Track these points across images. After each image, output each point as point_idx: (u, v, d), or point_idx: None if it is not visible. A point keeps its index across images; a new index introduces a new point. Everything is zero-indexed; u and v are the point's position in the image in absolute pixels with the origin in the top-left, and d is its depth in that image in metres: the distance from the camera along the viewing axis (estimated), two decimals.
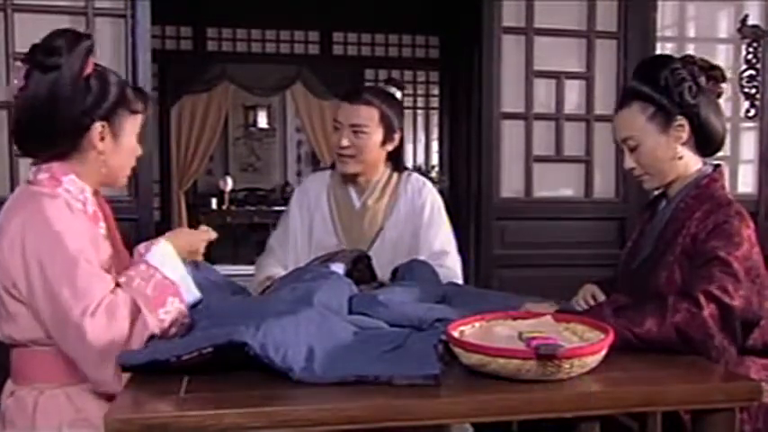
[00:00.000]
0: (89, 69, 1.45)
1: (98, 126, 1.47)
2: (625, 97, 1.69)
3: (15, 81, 1.45)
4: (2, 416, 1.48)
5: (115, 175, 1.56)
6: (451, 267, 2.11)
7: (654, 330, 1.40)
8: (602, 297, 1.75)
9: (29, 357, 1.44)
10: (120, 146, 1.52)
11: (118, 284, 1.41)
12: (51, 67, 1.41)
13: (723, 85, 1.68)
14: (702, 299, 1.43)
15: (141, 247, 1.68)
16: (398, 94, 2.22)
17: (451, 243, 2.19)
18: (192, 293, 1.50)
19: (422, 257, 2.03)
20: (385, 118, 2.09)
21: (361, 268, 1.92)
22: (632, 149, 1.67)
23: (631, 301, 1.50)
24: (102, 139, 1.48)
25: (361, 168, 2.12)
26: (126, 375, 1.26)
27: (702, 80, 1.62)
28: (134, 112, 1.54)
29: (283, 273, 1.98)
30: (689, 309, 1.42)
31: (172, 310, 1.42)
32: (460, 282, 2.14)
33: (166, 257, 1.49)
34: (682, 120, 1.61)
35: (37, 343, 1.42)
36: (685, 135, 1.62)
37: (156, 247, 1.51)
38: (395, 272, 1.95)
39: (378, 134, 2.09)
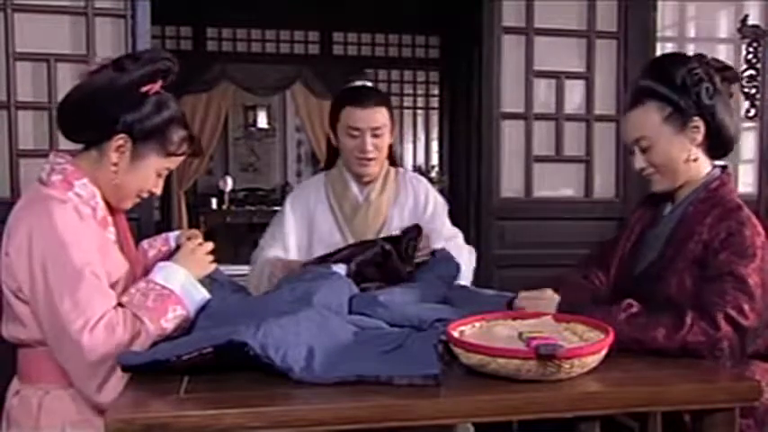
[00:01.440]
0: (151, 89, 1.47)
1: (121, 138, 1.46)
2: (638, 96, 1.62)
3: (93, 66, 1.51)
4: (6, 415, 1.48)
5: (116, 195, 1.53)
6: (463, 245, 2.21)
7: (662, 343, 1.39)
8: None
9: (35, 358, 1.45)
10: (135, 171, 1.50)
11: (120, 303, 1.41)
12: (120, 68, 1.46)
13: (732, 89, 1.65)
14: (722, 320, 1.40)
15: (145, 243, 1.68)
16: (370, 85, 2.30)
17: (455, 228, 2.28)
18: (199, 293, 1.49)
19: (440, 245, 2.07)
20: (391, 115, 2.17)
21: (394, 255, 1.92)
22: (645, 150, 1.62)
23: (643, 310, 1.46)
24: (122, 153, 1.47)
25: (379, 167, 2.17)
26: (126, 375, 1.26)
27: (718, 80, 1.59)
28: (168, 153, 1.52)
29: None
30: (706, 330, 1.40)
31: (174, 317, 1.43)
32: (473, 256, 2.22)
33: (164, 269, 1.49)
34: (698, 121, 1.58)
35: (43, 344, 1.42)
36: (700, 137, 1.59)
37: (162, 267, 1.51)
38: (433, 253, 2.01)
39: (388, 132, 2.15)
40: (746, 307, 1.43)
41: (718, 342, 1.40)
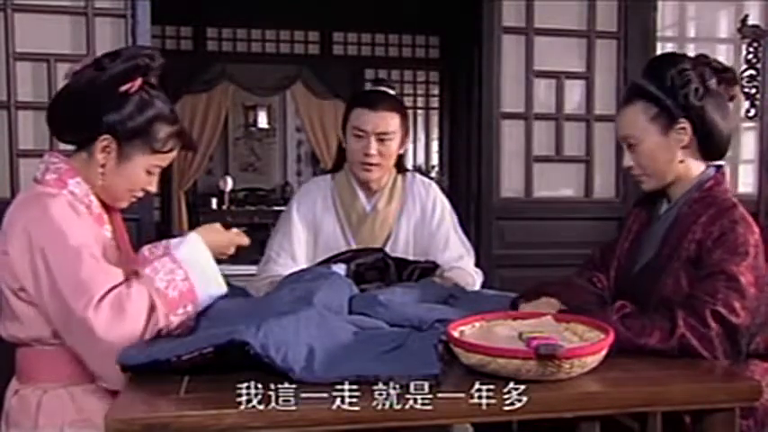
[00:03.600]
0: (132, 87, 1.45)
1: (105, 139, 1.45)
2: (630, 94, 1.64)
3: (77, 66, 1.49)
4: (5, 414, 1.48)
5: (110, 195, 1.53)
6: (468, 272, 2.13)
7: (658, 346, 1.39)
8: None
9: (33, 357, 1.45)
10: (122, 171, 1.49)
11: (135, 275, 1.40)
12: (99, 67, 1.44)
13: (731, 91, 1.63)
14: (710, 318, 1.40)
15: (146, 250, 1.66)
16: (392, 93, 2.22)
17: (462, 242, 2.21)
18: (218, 287, 1.48)
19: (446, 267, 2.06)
20: (403, 122, 2.12)
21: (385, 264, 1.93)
22: (631, 148, 1.63)
23: (638, 310, 1.47)
24: (107, 153, 1.47)
25: (382, 173, 2.12)
26: (126, 375, 1.26)
27: (713, 82, 1.57)
28: (155, 151, 1.50)
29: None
30: (696, 327, 1.40)
31: (184, 313, 1.42)
32: (478, 277, 2.16)
33: (195, 254, 1.47)
34: (684, 122, 1.56)
35: (41, 342, 1.42)
36: (687, 138, 1.57)
37: (186, 242, 1.48)
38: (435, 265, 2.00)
39: (398, 139, 2.10)
40: (737, 305, 1.42)
41: (712, 341, 1.40)
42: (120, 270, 1.42)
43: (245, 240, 1.63)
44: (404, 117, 2.12)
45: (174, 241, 1.53)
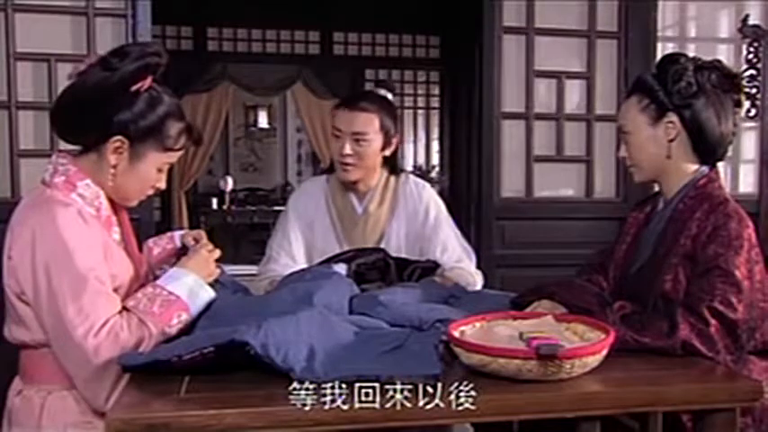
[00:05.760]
0: (143, 85, 1.43)
1: (117, 140, 1.43)
2: (631, 87, 1.71)
3: (81, 66, 1.44)
4: (8, 413, 1.48)
5: (121, 195, 1.51)
6: (467, 273, 2.13)
7: (659, 344, 1.39)
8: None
9: (38, 359, 1.44)
10: (135, 171, 1.47)
11: (124, 309, 1.40)
12: (109, 67, 1.41)
13: (736, 96, 1.65)
14: (708, 315, 1.42)
15: (150, 241, 1.70)
16: (390, 96, 2.20)
17: (461, 244, 2.21)
18: (206, 293, 1.48)
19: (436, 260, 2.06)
20: (384, 124, 2.08)
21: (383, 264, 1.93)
22: (624, 138, 1.68)
23: (638, 309, 1.48)
24: (120, 154, 1.44)
25: (361, 174, 2.10)
26: (126, 376, 1.26)
27: (711, 84, 1.59)
28: (166, 149, 1.49)
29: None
30: (696, 325, 1.41)
31: (179, 322, 1.42)
32: (479, 278, 2.16)
33: (174, 273, 1.48)
34: (673, 117, 1.60)
35: (46, 345, 1.41)
36: (674, 133, 1.61)
37: (164, 273, 1.50)
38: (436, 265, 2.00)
39: (378, 141, 2.08)
40: (734, 300, 1.44)
41: (712, 338, 1.41)
42: (118, 298, 1.42)
43: (218, 253, 1.60)
44: (385, 118, 2.08)
45: (152, 241, 1.71)
